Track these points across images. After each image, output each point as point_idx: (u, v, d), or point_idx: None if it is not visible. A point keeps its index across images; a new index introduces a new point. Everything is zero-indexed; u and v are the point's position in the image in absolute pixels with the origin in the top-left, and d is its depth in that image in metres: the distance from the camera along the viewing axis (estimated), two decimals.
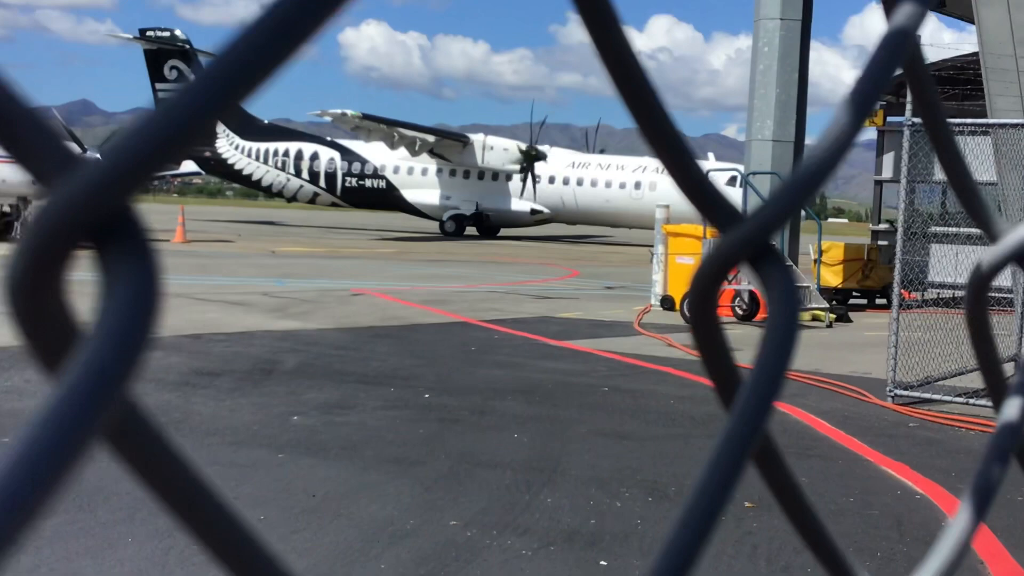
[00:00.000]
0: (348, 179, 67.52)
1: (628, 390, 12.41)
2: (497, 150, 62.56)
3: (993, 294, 16.05)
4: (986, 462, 0.69)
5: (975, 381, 13.10)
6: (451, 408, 11.02)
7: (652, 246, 24.24)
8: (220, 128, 66.69)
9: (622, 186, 60.78)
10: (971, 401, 11.96)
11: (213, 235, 48.72)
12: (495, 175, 63.99)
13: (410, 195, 66.11)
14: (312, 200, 69.84)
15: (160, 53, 68.46)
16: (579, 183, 61.90)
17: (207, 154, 68.39)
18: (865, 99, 0.59)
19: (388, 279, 27.88)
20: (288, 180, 68.61)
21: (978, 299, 0.75)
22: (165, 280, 0.42)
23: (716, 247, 0.54)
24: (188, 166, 69.65)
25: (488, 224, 64.02)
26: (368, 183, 67.27)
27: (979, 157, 15.87)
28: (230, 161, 69.31)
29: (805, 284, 21.83)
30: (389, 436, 9.71)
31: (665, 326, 19.35)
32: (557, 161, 63.95)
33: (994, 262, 0.77)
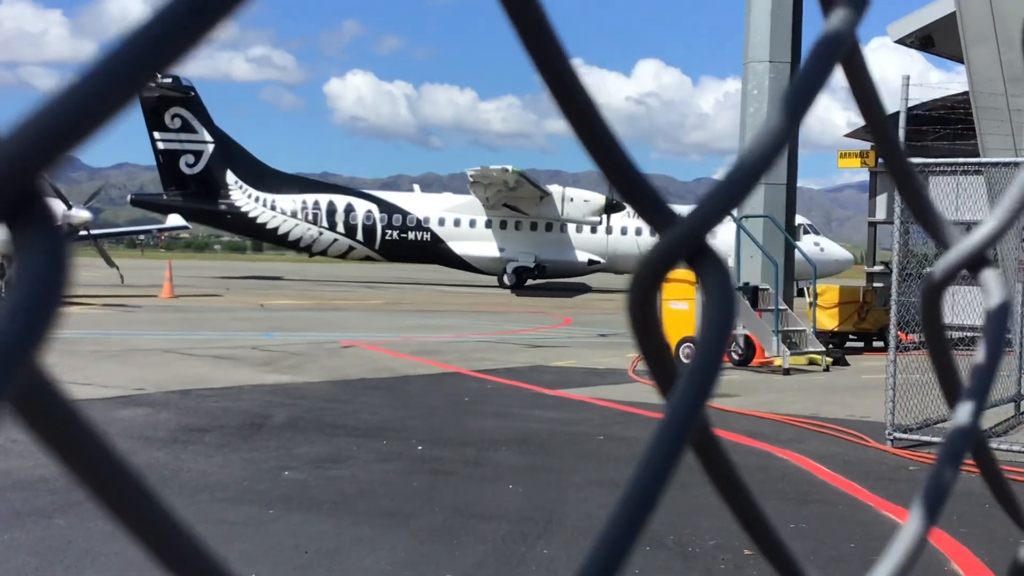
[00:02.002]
0: (388, 232, 65.52)
1: (623, 438, 12.38)
2: (577, 201, 61.04)
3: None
4: (939, 465, 0.69)
5: None
6: (445, 460, 10.98)
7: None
8: (232, 179, 65.36)
9: None
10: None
11: (202, 289, 48.69)
12: (548, 226, 63.24)
13: (459, 247, 64.83)
14: (344, 255, 67.65)
15: (161, 100, 65.51)
16: (623, 232, 61.48)
17: (222, 207, 65.97)
18: (799, 101, 0.60)
19: (378, 330, 27.85)
20: (320, 234, 66.08)
21: (931, 307, 0.76)
22: (71, 257, 0.44)
23: (654, 247, 0.56)
24: (175, 220, 67.52)
25: (544, 275, 63.29)
26: (411, 236, 65.37)
27: (972, 196, 15.95)
28: (251, 214, 66.44)
29: (801, 328, 21.84)
30: (382, 489, 9.67)
31: None
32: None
33: (946, 269, 0.78)
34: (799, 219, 65.66)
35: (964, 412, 0.72)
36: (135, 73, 0.43)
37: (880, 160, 12.60)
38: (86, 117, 0.42)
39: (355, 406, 14.49)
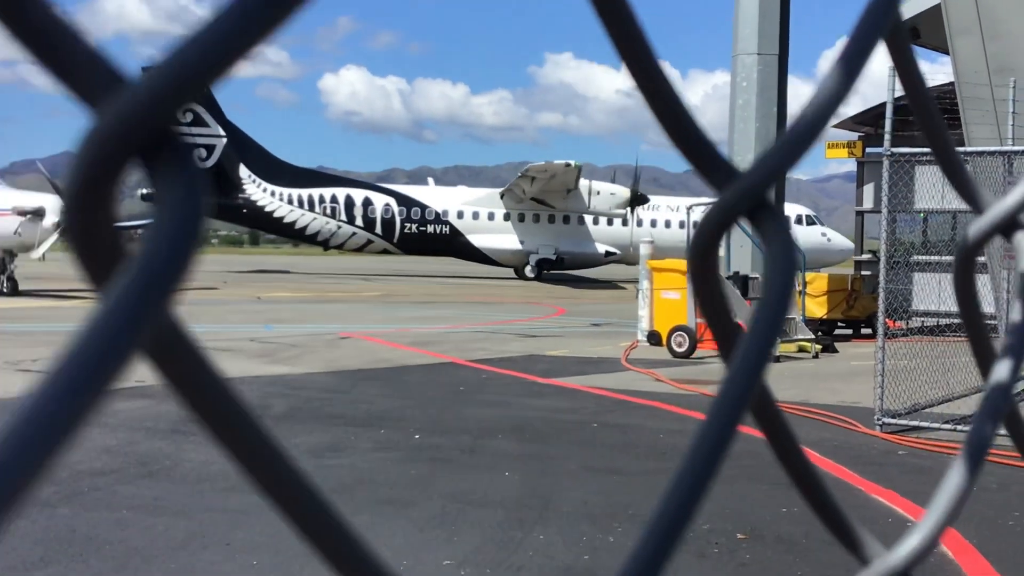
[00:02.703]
0: (407, 225, 64.96)
1: (617, 425, 12.40)
2: (604, 195, 60.99)
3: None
4: (979, 421, 0.70)
5: (962, 407, 13.12)
6: (442, 448, 10.99)
7: (637, 282, 24.26)
8: (246, 174, 64.50)
9: (681, 225, 60.31)
10: (959, 428, 11.98)
11: (200, 282, 48.62)
12: (566, 218, 63.21)
13: (478, 240, 64.53)
14: (361, 248, 67.17)
15: None
16: (639, 223, 61.33)
17: (238, 202, 64.76)
18: (852, 64, 0.61)
19: (375, 322, 27.85)
20: (339, 227, 65.35)
21: (965, 272, 0.76)
22: (208, 190, 0.45)
23: (716, 203, 0.56)
24: None
25: (563, 267, 63.18)
26: (430, 229, 65.00)
27: None
28: (268, 208, 65.40)
29: (791, 316, 21.87)
30: (380, 478, 9.68)
31: (652, 361, 19.35)
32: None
33: (979, 233, 0.78)
34: (803, 210, 66.26)
35: (1003, 370, 0.72)
36: (266, 15, 0.43)
37: (890, 156, 12.51)
38: (218, 57, 0.43)
39: (353, 396, 14.50)
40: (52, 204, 35.18)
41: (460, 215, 64.78)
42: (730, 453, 0.56)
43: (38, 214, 34.38)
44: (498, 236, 63.99)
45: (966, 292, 0.78)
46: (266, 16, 0.43)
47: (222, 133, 64.81)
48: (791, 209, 65.59)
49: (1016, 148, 14.19)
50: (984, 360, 0.77)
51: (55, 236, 35.01)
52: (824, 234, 61.75)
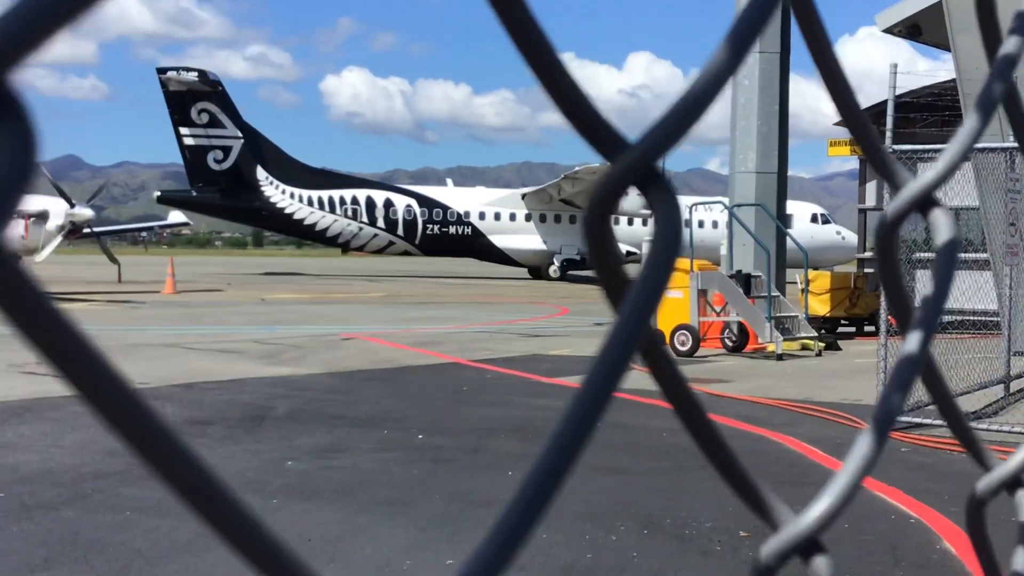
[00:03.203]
0: (429, 227, 64.92)
1: (620, 425, 12.39)
2: (632, 196, 60.71)
3: (981, 318, 16.08)
4: (888, 391, 0.73)
5: (965, 404, 13.11)
6: (444, 448, 10.99)
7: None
8: (263, 175, 63.99)
9: (700, 224, 60.16)
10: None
11: (204, 285, 48.65)
12: (573, 218, 63.41)
13: (500, 241, 64.61)
14: (382, 249, 66.83)
15: (188, 95, 63.25)
16: (645, 223, 61.23)
17: (257, 204, 64.31)
18: (744, 37, 0.63)
19: (378, 323, 27.86)
20: (360, 229, 65.15)
21: (887, 245, 0.79)
22: (38, 142, 0.44)
23: (606, 174, 0.58)
24: (176, 216, 66.96)
25: (586, 267, 63.47)
26: (452, 230, 65.01)
27: (960, 182, 15.94)
28: (288, 210, 64.89)
29: (794, 314, 21.86)
30: (383, 478, 9.68)
31: None
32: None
33: (898, 209, 0.80)
34: (817, 208, 66.38)
35: (913, 341, 0.74)
36: None
37: (886, 144, 12.75)
38: (51, 16, 0.43)
39: (355, 397, 14.50)
40: (55, 207, 35.23)
41: (482, 216, 64.78)
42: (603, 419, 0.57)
43: (41, 217, 34.40)
44: (520, 237, 64.02)
45: (888, 263, 0.80)
46: None
47: (239, 135, 64.25)
48: (806, 208, 65.84)
49: (1017, 144, 14.17)
50: (903, 327, 0.80)
51: (59, 239, 35.06)
52: (839, 232, 62.08)
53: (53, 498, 8.67)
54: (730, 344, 21.72)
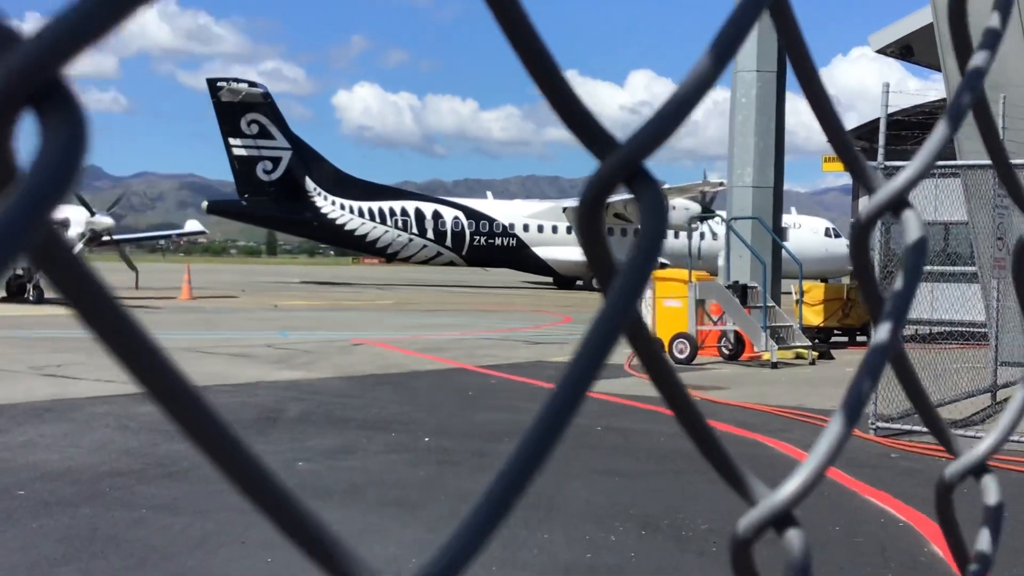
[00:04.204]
0: (476, 238, 64.78)
1: (620, 429, 12.39)
2: (679, 209, 59.06)
3: (969, 329, 16.07)
4: (859, 377, 0.75)
5: (953, 412, 13.10)
6: (451, 451, 10.99)
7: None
8: (312, 186, 63.48)
9: (702, 236, 59.95)
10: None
11: (219, 291, 48.68)
12: (623, 230, 63.09)
13: (543, 252, 64.42)
14: (429, 260, 66.33)
15: (237, 106, 62.45)
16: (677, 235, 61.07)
17: (307, 215, 63.65)
18: (727, 46, 0.64)
19: (387, 329, 27.86)
20: (410, 240, 64.70)
21: (860, 244, 0.82)
22: (89, 139, 0.45)
23: (596, 171, 0.60)
24: (193, 225, 66.68)
25: None
26: (498, 241, 64.92)
27: (950, 197, 15.94)
28: (339, 221, 64.29)
29: (788, 324, 21.84)
30: (391, 479, 9.67)
31: None
32: None
33: (871, 211, 0.82)
34: (828, 224, 66.34)
35: (883, 331, 0.76)
36: None
37: (883, 169, 12.53)
38: (105, 15, 0.44)
39: (365, 401, 14.49)
40: (76, 215, 35.26)
41: (526, 228, 64.65)
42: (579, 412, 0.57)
43: (63, 225, 34.41)
44: (562, 248, 63.76)
45: (861, 261, 0.83)
46: None
47: (288, 145, 63.67)
48: (820, 223, 65.98)
49: (989, 155, 14.18)
50: (875, 318, 0.82)
51: (79, 246, 35.07)
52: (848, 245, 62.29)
53: (72, 496, 8.68)
54: (727, 352, 21.70)
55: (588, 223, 0.60)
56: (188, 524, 7.85)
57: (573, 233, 63.31)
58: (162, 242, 78.14)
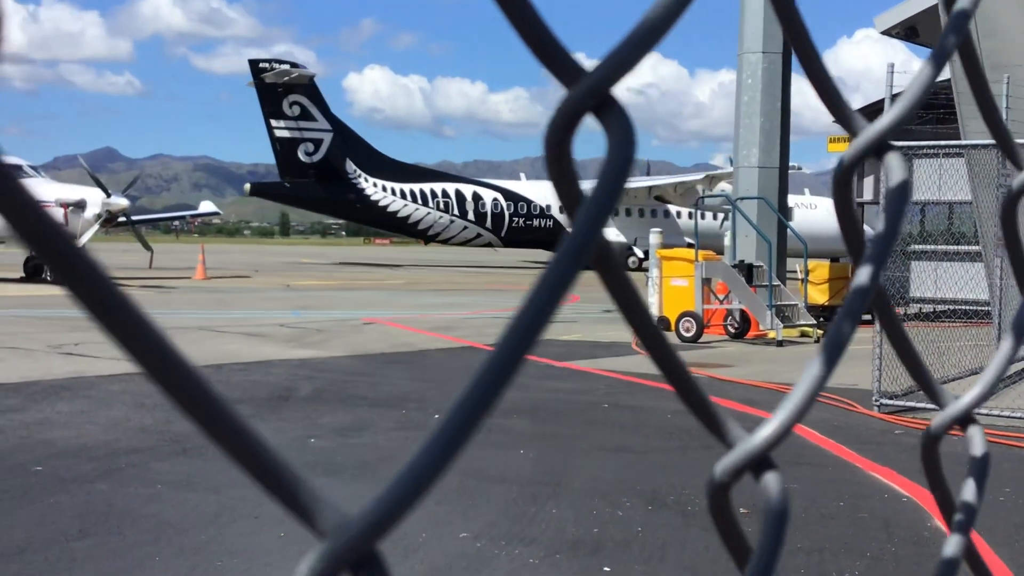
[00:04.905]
0: (516, 220, 64.50)
1: (627, 406, 12.40)
2: (716, 193, 59.91)
3: (973, 307, 16.04)
4: (839, 321, 0.76)
5: (955, 389, 13.07)
6: None
7: (647, 270, 24.22)
8: (352, 168, 62.94)
9: (702, 216, 59.80)
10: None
11: (233, 271, 48.71)
12: (653, 212, 63.30)
13: None
14: (469, 241, 65.80)
15: (280, 87, 61.59)
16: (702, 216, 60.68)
17: (351, 196, 63.15)
18: None
19: (398, 308, 27.88)
20: (452, 222, 64.23)
21: (844, 187, 0.82)
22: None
23: (564, 100, 0.59)
24: (207, 207, 66.45)
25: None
26: (536, 223, 64.63)
27: (954, 176, 15.89)
28: (382, 203, 63.70)
29: (794, 302, 21.81)
30: (401, 456, 9.67)
31: None
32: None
33: (854, 153, 0.82)
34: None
35: (863, 275, 0.76)
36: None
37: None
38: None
39: (376, 379, 14.51)
40: (93, 196, 35.28)
41: (561, 210, 64.47)
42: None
43: (79, 206, 34.46)
44: None
45: (845, 204, 0.82)
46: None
47: (329, 127, 63.03)
48: (832, 204, 65.47)
49: (974, 94, 14.15)
50: (856, 259, 0.83)
51: (96, 227, 35.12)
52: (866, 226, 62.29)
53: (88, 472, 8.71)
54: (732, 331, 21.68)
55: (556, 151, 0.59)
56: (202, 500, 7.87)
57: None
58: (176, 223, 78.24)
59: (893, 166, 0.82)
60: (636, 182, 65.87)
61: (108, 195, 35.65)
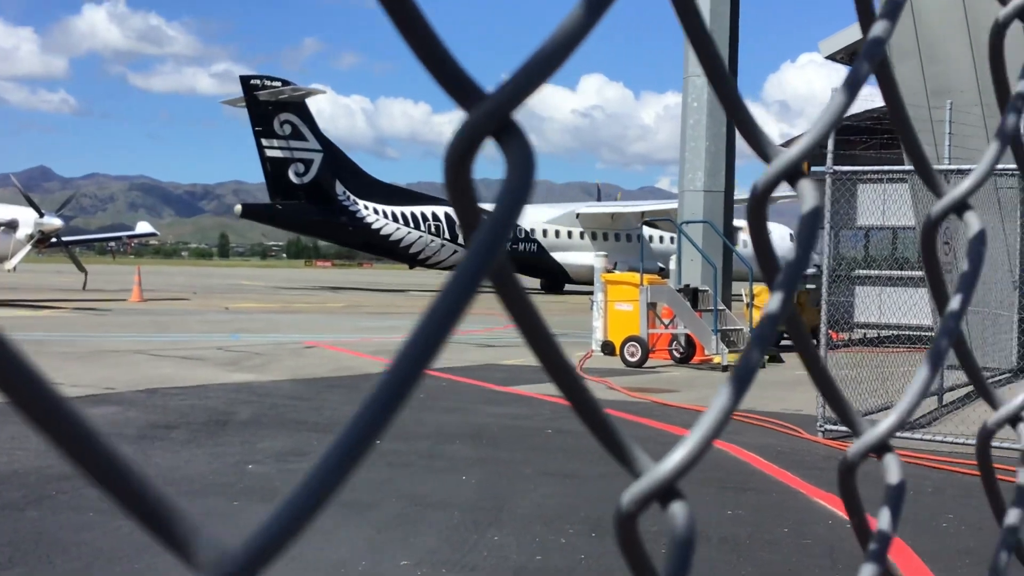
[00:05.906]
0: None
1: (571, 431, 12.40)
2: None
3: (916, 332, 16.21)
4: (749, 348, 0.76)
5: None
6: (401, 453, 10.95)
7: (592, 294, 24.30)
8: (340, 190, 61.90)
9: (650, 239, 60.51)
10: (897, 434, 12.06)
11: (170, 293, 48.29)
12: (628, 236, 64.25)
13: (560, 258, 64.50)
14: (454, 267, 65.74)
15: (272, 105, 60.01)
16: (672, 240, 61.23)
17: (341, 218, 61.88)
18: (599, 2, 0.63)
19: (339, 332, 27.76)
20: (443, 245, 63.29)
21: (758, 211, 0.83)
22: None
23: (464, 123, 0.59)
24: (143, 227, 65.87)
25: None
26: (520, 247, 63.89)
27: (898, 201, 16.09)
28: (375, 226, 62.56)
29: (739, 327, 21.95)
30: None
31: (606, 370, 19.37)
32: None
33: (767, 180, 0.83)
34: (788, 230, 67.01)
35: (775, 300, 0.77)
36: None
37: (832, 174, 12.63)
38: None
39: (317, 403, 14.43)
40: (25, 216, 34.88)
41: (545, 233, 64.64)
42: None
43: (11, 226, 34.07)
44: (577, 254, 63.77)
45: (759, 227, 0.83)
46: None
47: (319, 147, 62.03)
48: (783, 230, 67.78)
49: (952, 167, 14.36)
50: (770, 282, 0.84)
51: (28, 248, 34.71)
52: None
53: (18, 499, 8.58)
54: (678, 355, 21.79)
55: (456, 175, 0.59)
56: (134, 528, 7.69)
57: (586, 238, 63.74)
58: (112, 244, 77.27)
59: (806, 193, 0.83)
60: (629, 207, 66.65)
61: (41, 215, 35.26)
